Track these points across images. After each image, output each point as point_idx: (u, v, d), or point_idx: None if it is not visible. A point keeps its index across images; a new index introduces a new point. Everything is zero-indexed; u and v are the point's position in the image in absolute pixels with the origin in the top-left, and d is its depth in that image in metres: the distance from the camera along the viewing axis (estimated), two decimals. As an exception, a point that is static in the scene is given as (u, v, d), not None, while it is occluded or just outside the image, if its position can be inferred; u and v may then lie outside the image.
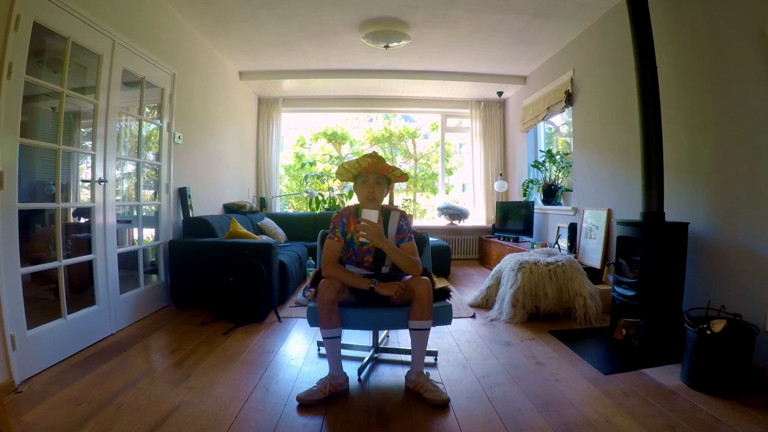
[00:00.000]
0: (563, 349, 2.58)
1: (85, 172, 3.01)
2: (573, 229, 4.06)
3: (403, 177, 2.14)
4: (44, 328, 2.25)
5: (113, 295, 2.81)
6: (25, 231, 2.44)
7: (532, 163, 5.12)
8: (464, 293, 4.01)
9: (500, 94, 5.96)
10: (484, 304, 3.54)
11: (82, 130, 3.13)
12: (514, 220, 5.39)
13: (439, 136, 6.90)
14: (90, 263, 2.67)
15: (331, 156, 7.65)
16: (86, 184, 2.81)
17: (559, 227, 4.46)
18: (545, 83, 4.77)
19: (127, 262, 3.12)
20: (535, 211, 5.04)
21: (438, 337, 2.75)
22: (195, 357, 2.41)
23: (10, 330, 1.98)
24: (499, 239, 5.40)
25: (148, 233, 3.58)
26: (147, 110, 3.40)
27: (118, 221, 2.92)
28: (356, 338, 2.68)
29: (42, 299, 2.53)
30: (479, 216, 6.33)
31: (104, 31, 2.63)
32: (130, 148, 3.54)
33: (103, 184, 2.71)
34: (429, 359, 2.32)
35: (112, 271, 2.80)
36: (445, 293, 2.14)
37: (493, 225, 5.89)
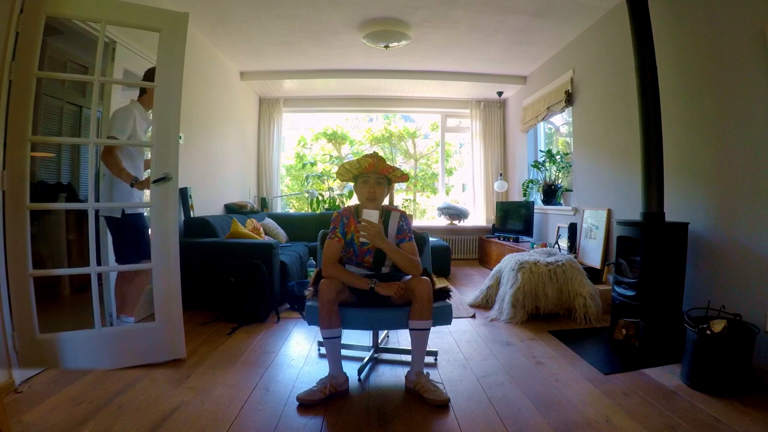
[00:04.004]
0: (563, 349, 2.58)
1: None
2: (573, 229, 4.06)
3: (404, 177, 2.14)
4: (75, 335, 2.16)
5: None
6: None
7: (532, 163, 5.12)
8: (464, 293, 4.01)
9: (500, 94, 5.96)
10: (484, 304, 3.54)
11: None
12: (514, 220, 5.39)
13: (439, 136, 6.91)
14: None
15: (331, 156, 7.65)
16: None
17: (559, 227, 4.46)
18: (545, 83, 4.76)
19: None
20: (535, 211, 5.04)
21: (438, 337, 2.75)
22: (196, 357, 2.41)
23: (11, 330, 1.98)
24: (499, 239, 5.40)
25: (149, 233, 3.57)
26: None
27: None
28: (356, 338, 2.68)
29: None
30: (479, 216, 6.33)
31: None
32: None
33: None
34: (429, 359, 2.32)
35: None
36: (445, 293, 2.13)
37: (493, 225, 5.89)
